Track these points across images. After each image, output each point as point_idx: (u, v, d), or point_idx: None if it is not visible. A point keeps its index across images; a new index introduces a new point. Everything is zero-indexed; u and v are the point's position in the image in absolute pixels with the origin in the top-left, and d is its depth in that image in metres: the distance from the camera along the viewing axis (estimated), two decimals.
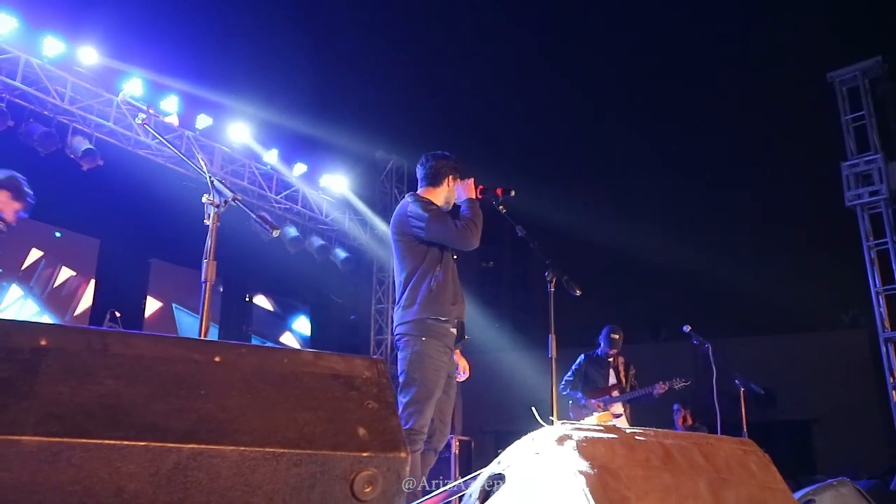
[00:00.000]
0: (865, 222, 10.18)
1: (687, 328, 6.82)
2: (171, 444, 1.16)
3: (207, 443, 1.19)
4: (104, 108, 8.92)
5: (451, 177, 4.14)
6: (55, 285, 10.02)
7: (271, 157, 10.53)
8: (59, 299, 10.06)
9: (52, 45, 8.30)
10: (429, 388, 3.78)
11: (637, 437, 1.91)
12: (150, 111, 2.78)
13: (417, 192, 4.16)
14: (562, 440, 1.77)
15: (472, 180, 4.12)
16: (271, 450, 1.23)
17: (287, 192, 11.05)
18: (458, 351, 4.12)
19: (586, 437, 1.79)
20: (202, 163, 2.62)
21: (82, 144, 8.52)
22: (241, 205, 2.54)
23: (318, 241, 11.31)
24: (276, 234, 2.56)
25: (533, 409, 2.36)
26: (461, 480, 2.13)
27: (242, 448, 1.21)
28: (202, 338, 2.25)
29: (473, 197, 4.05)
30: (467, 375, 4.18)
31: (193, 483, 1.16)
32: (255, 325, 13.06)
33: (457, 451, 8.37)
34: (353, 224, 11.87)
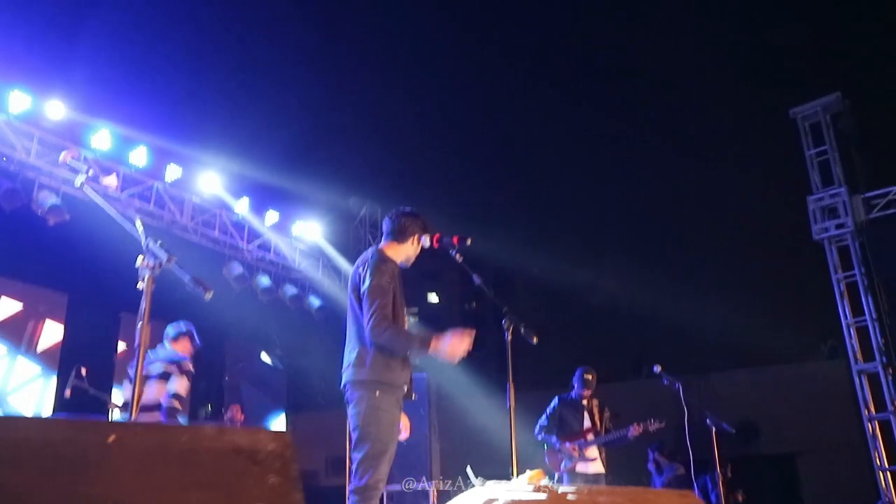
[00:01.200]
0: (833, 255, 10.28)
1: (657, 368, 6.82)
2: None
3: None
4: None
5: (416, 235, 4.13)
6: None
7: (242, 206, 10.52)
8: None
9: (18, 101, 8.29)
10: (385, 444, 3.73)
11: (569, 497, 1.88)
12: (90, 172, 2.74)
13: (381, 246, 4.16)
14: (489, 503, 1.74)
15: (468, 341, 3.84)
16: None
17: (259, 240, 11.02)
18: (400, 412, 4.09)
19: (513, 500, 1.76)
20: (139, 225, 2.60)
21: (49, 199, 8.47)
22: (175, 266, 2.52)
23: (291, 290, 11.25)
24: (208, 296, 2.53)
25: (468, 468, 2.31)
26: None
27: None
28: (134, 406, 2.21)
29: (433, 354, 3.84)
30: (407, 434, 4.12)
31: None
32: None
33: (434, 501, 8.26)
34: (326, 272, 11.83)
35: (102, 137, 8.95)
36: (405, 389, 3.91)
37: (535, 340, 3.98)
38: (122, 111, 9.51)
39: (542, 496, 1.84)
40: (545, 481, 1.96)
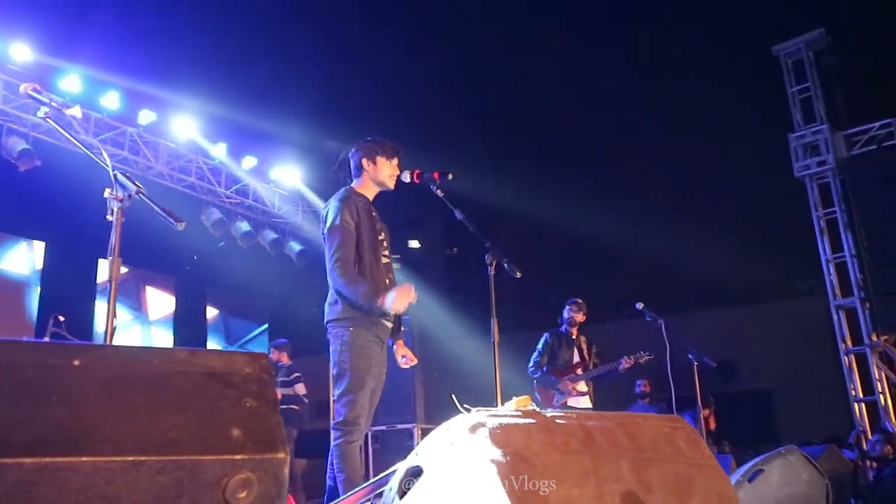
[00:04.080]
0: (814, 192, 10.31)
1: (639, 305, 6.83)
2: (10, 460, 1.06)
3: (54, 455, 1.09)
4: (39, 105, 8.62)
5: (379, 157, 4.04)
6: None
7: (219, 151, 10.30)
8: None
9: None
10: (360, 378, 3.75)
11: (557, 421, 1.85)
12: (53, 104, 2.62)
13: (353, 185, 4.11)
14: (475, 428, 1.70)
15: (411, 294, 3.77)
16: (131, 458, 1.14)
17: (237, 186, 10.84)
18: (399, 341, 4.09)
19: (501, 423, 1.73)
20: (105, 156, 2.50)
21: (18, 144, 8.25)
22: (143, 197, 2.43)
23: (271, 235, 11.14)
24: (180, 226, 2.45)
25: (453, 396, 2.28)
26: (381, 475, 2.07)
27: (96, 458, 1.11)
28: (108, 341, 2.14)
29: (388, 311, 3.76)
30: (413, 363, 4.16)
31: (39, 500, 1.07)
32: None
33: (418, 441, 8.31)
34: (306, 216, 11.70)
35: (72, 81, 8.68)
36: (385, 324, 3.88)
37: (518, 274, 3.93)
38: (92, 53, 9.20)
39: (531, 420, 1.80)
40: (532, 407, 1.92)
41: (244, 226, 10.78)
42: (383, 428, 8.82)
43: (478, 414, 1.79)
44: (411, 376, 10.95)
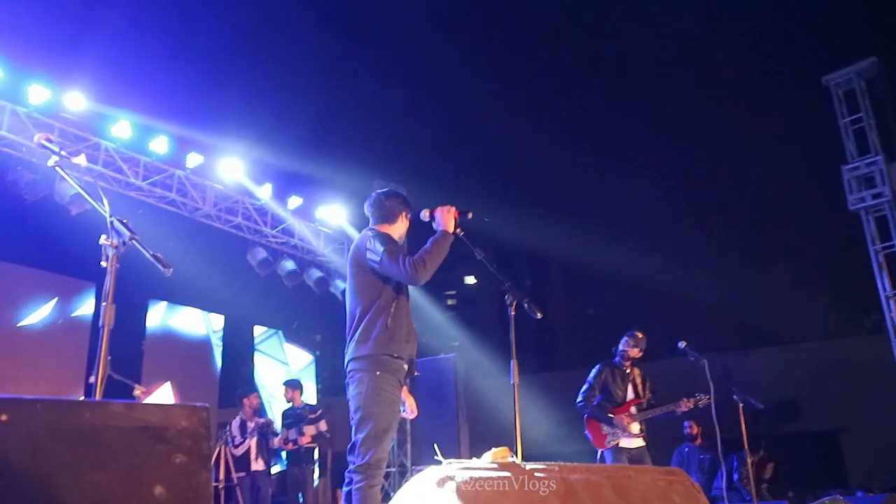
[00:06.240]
0: (871, 225, 9.93)
1: (682, 344, 6.61)
2: None
3: None
4: (92, 152, 8.95)
5: (403, 212, 4.17)
6: None
7: (265, 192, 10.50)
8: None
9: (37, 93, 8.35)
10: (387, 422, 3.73)
11: (536, 474, 1.76)
12: (63, 153, 2.68)
13: (380, 229, 4.13)
14: (442, 482, 1.63)
15: (452, 208, 4.03)
16: None
17: (283, 225, 11.00)
18: (405, 389, 4.04)
19: (471, 477, 1.65)
20: (105, 203, 2.54)
21: (70, 190, 8.54)
22: (137, 244, 2.45)
23: (316, 274, 11.24)
24: (168, 272, 2.46)
25: (435, 445, 2.21)
26: None
27: None
28: (97, 390, 2.14)
29: (449, 230, 3.95)
30: (415, 414, 4.13)
31: None
32: None
33: None
34: None
35: (122, 127, 9.01)
36: (406, 368, 3.86)
37: (538, 315, 3.86)
38: (142, 100, 9.56)
39: (506, 473, 1.72)
40: (511, 459, 1.84)
41: (289, 265, 10.91)
42: (424, 468, 8.72)
43: (448, 466, 1.71)
44: (455, 415, 10.87)
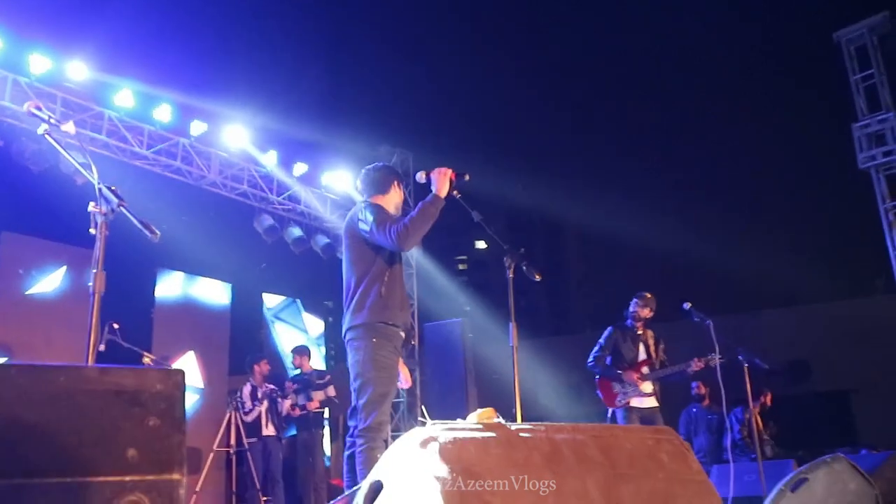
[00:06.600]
0: (881, 184, 9.82)
1: (687, 305, 6.58)
2: None
3: None
4: (96, 121, 8.94)
5: (395, 182, 4.24)
6: None
7: (270, 159, 10.47)
8: None
9: (38, 63, 8.31)
10: (385, 386, 3.83)
11: (521, 434, 1.77)
12: (52, 120, 2.68)
13: (374, 200, 4.17)
14: (425, 443, 1.64)
15: (449, 171, 4.03)
16: (17, 481, 1.11)
17: (289, 192, 10.99)
18: (399, 359, 4.09)
19: (454, 438, 1.65)
20: (94, 171, 2.53)
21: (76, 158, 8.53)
22: (125, 211, 2.45)
23: (323, 240, 11.25)
24: (156, 238, 2.46)
25: (422, 407, 2.22)
26: (350, 491, 2.03)
27: None
28: (89, 357, 2.16)
29: (442, 193, 3.94)
30: (409, 384, 4.26)
31: None
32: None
33: None
34: None
35: (125, 96, 8.97)
36: (402, 336, 3.93)
37: (537, 277, 3.87)
38: (144, 69, 9.50)
39: (490, 434, 1.73)
40: (497, 420, 1.84)
41: (296, 231, 10.93)
42: None
43: (432, 427, 1.72)
44: (464, 378, 10.93)
